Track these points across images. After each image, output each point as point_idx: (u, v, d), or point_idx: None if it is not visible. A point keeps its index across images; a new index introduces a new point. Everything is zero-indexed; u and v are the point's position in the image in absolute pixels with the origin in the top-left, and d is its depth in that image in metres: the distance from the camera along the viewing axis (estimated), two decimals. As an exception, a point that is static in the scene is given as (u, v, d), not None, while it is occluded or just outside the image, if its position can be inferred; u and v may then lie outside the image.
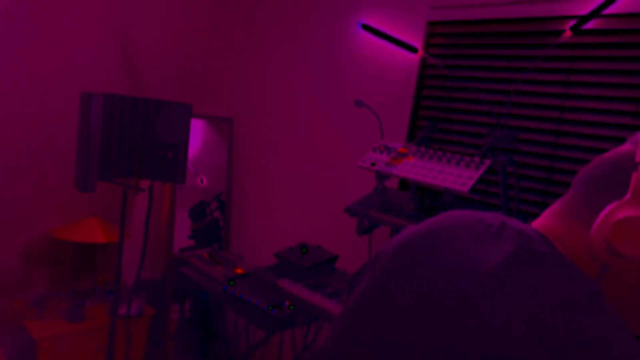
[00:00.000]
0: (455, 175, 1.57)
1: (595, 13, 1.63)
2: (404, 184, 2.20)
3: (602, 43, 1.68)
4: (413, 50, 2.11)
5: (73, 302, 2.42)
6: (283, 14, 2.75)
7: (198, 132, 2.88)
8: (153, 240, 3.00)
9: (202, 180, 2.90)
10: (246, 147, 3.00)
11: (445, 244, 0.66)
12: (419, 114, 2.18)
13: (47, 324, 2.34)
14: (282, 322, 1.78)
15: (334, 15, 2.48)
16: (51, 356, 2.29)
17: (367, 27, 2.24)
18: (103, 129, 1.75)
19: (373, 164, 1.76)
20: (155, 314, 2.64)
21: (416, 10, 2.15)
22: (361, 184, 2.36)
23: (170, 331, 2.80)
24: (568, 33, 1.72)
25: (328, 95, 2.51)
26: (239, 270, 2.16)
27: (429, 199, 1.80)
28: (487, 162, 1.58)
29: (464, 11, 1.98)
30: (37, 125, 2.41)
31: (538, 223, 0.69)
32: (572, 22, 1.73)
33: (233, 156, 3.09)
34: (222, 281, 2.04)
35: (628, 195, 0.59)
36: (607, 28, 1.66)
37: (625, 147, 0.66)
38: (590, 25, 1.69)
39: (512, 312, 0.54)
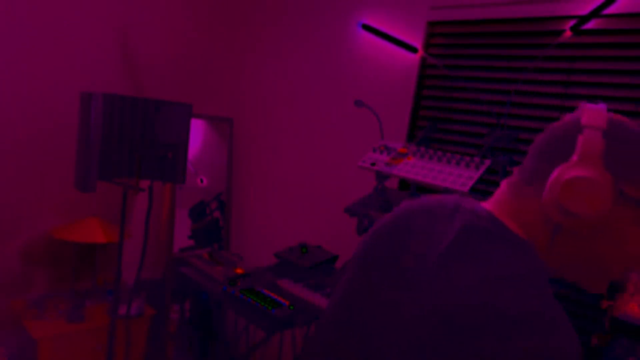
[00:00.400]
0: (455, 175, 1.57)
1: (595, 13, 1.63)
2: (404, 184, 2.20)
3: (602, 43, 1.68)
4: (413, 50, 2.11)
5: (73, 302, 2.42)
6: (283, 14, 2.75)
7: (198, 132, 2.88)
8: (153, 240, 3.01)
9: (202, 180, 2.90)
10: (246, 147, 3.00)
11: (407, 230, 0.73)
12: (419, 114, 2.18)
13: (47, 324, 2.34)
14: (282, 322, 1.78)
15: (334, 15, 2.48)
16: (51, 356, 2.29)
17: (367, 27, 2.24)
18: (103, 129, 1.75)
19: (373, 164, 1.76)
20: (155, 314, 2.64)
21: (416, 10, 2.15)
22: (361, 184, 2.36)
23: (170, 331, 2.80)
24: (568, 33, 1.72)
25: (328, 95, 2.51)
26: (239, 270, 2.16)
27: (429, 199, 1.80)
28: (487, 162, 1.58)
29: (464, 11, 1.98)
30: (37, 125, 2.41)
31: (496, 195, 0.74)
32: (572, 22, 1.73)
33: (233, 156, 3.09)
34: (222, 281, 2.04)
35: (575, 157, 0.64)
36: (607, 28, 1.66)
37: (573, 115, 0.69)
38: (590, 25, 1.69)
39: (460, 286, 0.60)
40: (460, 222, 0.67)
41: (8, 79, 2.27)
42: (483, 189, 1.97)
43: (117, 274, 1.93)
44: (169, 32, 2.77)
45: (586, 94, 1.72)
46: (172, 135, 1.87)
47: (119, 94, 2.20)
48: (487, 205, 0.73)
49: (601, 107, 0.67)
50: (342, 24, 2.44)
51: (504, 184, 0.74)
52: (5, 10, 2.19)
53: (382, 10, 2.27)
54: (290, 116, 2.72)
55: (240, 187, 3.04)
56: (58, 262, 2.64)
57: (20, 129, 2.36)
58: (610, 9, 1.63)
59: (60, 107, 2.46)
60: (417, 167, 1.67)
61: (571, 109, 1.75)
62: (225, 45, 3.07)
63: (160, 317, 2.78)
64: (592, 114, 0.65)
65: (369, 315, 0.71)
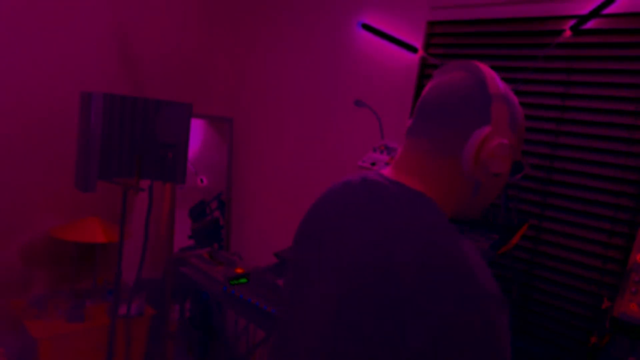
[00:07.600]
0: (455, 175, 1.57)
1: (595, 13, 1.63)
2: (404, 184, 2.20)
3: (602, 43, 1.68)
4: (413, 50, 2.11)
5: (73, 302, 2.42)
6: (283, 14, 2.76)
7: (198, 132, 2.88)
8: (153, 240, 3.00)
9: (202, 180, 2.90)
10: (246, 147, 3.00)
11: (320, 215, 0.85)
12: (419, 114, 2.18)
13: (47, 324, 2.34)
14: (282, 322, 1.78)
15: (334, 15, 2.48)
16: (51, 356, 2.29)
17: (367, 27, 2.24)
18: (103, 129, 1.75)
19: (373, 164, 1.76)
20: (155, 314, 2.64)
21: (416, 10, 2.15)
22: (361, 184, 2.36)
23: (170, 331, 2.80)
24: (568, 33, 1.72)
25: (328, 94, 2.51)
26: (239, 270, 2.17)
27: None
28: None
29: (464, 11, 1.98)
30: (37, 125, 2.41)
31: (399, 162, 0.82)
32: (572, 22, 1.73)
33: (233, 156, 3.09)
34: (222, 281, 2.04)
35: (491, 127, 0.74)
36: (607, 28, 1.66)
37: (459, 74, 0.78)
38: (590, 25, 1.69)
39: (374, 233, 0.71)
40: (367, 193, 0.78)
41: (8, 79, 2.27)
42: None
43: (117, 274, 1.93)
44: (169, 32, 2.77)
45: (586, 94, 1.72)
46: (172, 135, 1.87)
47: (119, 94, 2.20)
48: (389, 172, 0.83)
49: (491, 71, 0.76)
50: (342, 24, 2.44)
51: (403, 152, 0.83)
52: (5, 11, 2.19)
53: (382, 10, 2.27)
54: (290, 116, 2.72)
55: (240, 187, 3.04)
56: (58, 262, 2.64)
57: (20, 128, 2.36)
58: (610, 9, 1.63)
59: (60, 107, 2.46)
60: (417, 167, 1.66)
61: (571, 109, 1.75)
62: (225, 45, 3.07)
63: (160, 317, 2.78)
64: (494, 82, 0.75)
65: (301, 281, 0.83)
